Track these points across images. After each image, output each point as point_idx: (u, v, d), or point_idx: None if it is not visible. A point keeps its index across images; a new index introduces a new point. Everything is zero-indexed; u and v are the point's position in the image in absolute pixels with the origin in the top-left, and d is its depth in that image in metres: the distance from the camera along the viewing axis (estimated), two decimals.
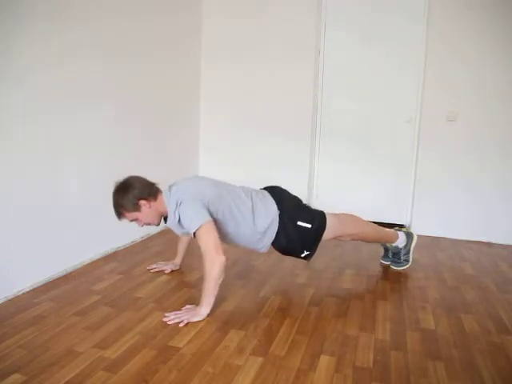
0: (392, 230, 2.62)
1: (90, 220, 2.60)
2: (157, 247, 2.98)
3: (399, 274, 2.61)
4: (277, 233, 2.17)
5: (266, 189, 2.34)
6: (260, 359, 1.63)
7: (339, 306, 2.14)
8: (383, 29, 3.53)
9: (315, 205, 3.93)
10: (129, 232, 3.00)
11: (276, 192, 2.29)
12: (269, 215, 2.15)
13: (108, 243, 2.81)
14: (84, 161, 2.55)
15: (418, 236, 2.69)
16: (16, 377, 1.48)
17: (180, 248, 2.55)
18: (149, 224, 2.12)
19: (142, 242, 3.10)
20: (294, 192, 3.74)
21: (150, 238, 3.18)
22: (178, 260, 2.56)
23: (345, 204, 3.81)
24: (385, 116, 3.64)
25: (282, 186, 2.40)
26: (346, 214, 2.49)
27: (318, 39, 3.66)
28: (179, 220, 2.00)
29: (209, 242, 1.91)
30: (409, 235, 2.62)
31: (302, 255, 2.25)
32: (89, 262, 2.62)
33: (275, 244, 2.21)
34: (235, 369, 1.57)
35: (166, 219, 2.12)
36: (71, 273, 2.46)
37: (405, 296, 2.28)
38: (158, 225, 2.18)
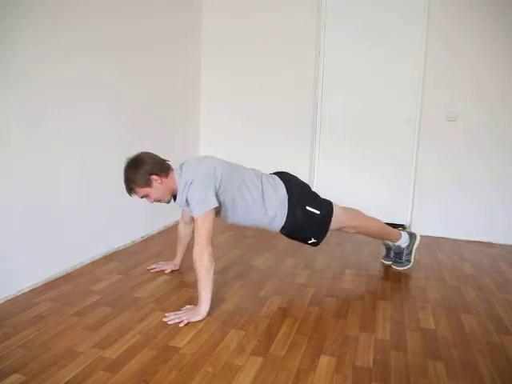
0: (396, 229, 2.62)
1: (89, 220, 2.60)
2: (157, 247, 2.98)
3: (399, 274, 2.61)
4: (286, 216, 2.18)
5: (275, 174, 2.36)
6: (260, 359, 1.63)
7: (339, 306, 2.14)
8: (383, 29, 3.53)
9: None
10: (129, 232, 3.00)
11: (286, 177, 2.31)
12: (278, 198, 2.17)
13: (108, 243, 2.80)
14: (84, 161, 2.55)
15: None
16: (16, 377, 1.48)
17: (179, 248, 2.55)
18: (159, 201, 2.12)
19: (141, 241, 3.10)
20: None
21: (150, 238, 3.18)
22: (177, 260, 2.57)
23: (345, 204, 3.81)
24: (385, 116, 3.64)
25: (291, 172, 2.41)
26: (352, 208, 2.52)
27: (318, 39, 3.66)
28: (187, 200, 2.01)
29: (204, 231, 1.93)
30: (412, 235, 2.63)
31: (309, 242, 2.27)
32: (89, 262, 2.62)
33: (283, 227, 2.22)
34: (235, 369, 1.57)
35: (175, 198, 2.13)
36: (71, 273, 2.46)
37: (405, 296, 2.28)
38: (169, 202, 2.17)
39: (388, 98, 3.60)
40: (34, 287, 2.23)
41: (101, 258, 2.70)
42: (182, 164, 2.14)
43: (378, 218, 3.69)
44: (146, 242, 3.11)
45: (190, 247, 2.52)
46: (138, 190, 2.05)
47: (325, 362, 1.63)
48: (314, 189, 3.87)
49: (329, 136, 3.81)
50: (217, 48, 3.83)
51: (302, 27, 3.59)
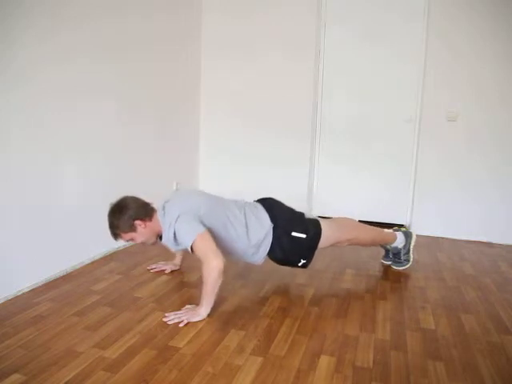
0: (390, 230, 2.62)
1: (89, 220, 2.60)
2: (157, 247, 2.97)
3: (399, 273, 2.61)
4: (272, 245, 2.19)
5: (258, 201, 2.35)
6: (260, 359, 1.63)
7: (339, 306, 2.14)
8: (383, 28, 3.54)
9: (315, 205, 3.94)
10: None
11: (269, 204, 2.30)
12: (262, 229, 2.16)
13: (108, 243, 2.80)
14: (84, 161, 2.55)
15: (418, 236, 2.70)
16: (16, 377, 1.48)
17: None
18: (144, 243, 2.13)
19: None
20: (293, 191, 3.77)
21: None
22: (177, 260, 2.57)
23: (345, 204, 3.82)
24: (385, 116, 3.64)
25: (275, 198, 2.40)
26: (342, 219, 2.51)
27: (318, 39, 3.66)
28: (175, 237, 2.00)
29: (205, 248, 1.91)
30: (407, 234, 2.62)
31: (299, 264, 2.27)
32: (89, 262, 2.62)
33: (271, 255, 2.24)
34: (235, 369, 1.57)
35: (161, 237, 2.13)
36: (71, 273, 2.46)
37: (405, 296, 2.28)
38: (155, 244, 2.18)
39: (388, 98, 3.61)
40: (34, 287, 2.23)
41: (101, 258, 2.70)
42: (165, 204, 2.13)
43: (378, 218, 3.72)
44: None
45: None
46: (122, 235, 2.06)
47: (325, 362, 1.63)
48: (314, 188, 3.91)
49: (329, 136, 3.81)
50: (217, 48, 3.83)
51: (302, 27, 3.59)
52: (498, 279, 2.56)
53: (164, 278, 2.43)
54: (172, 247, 2.11)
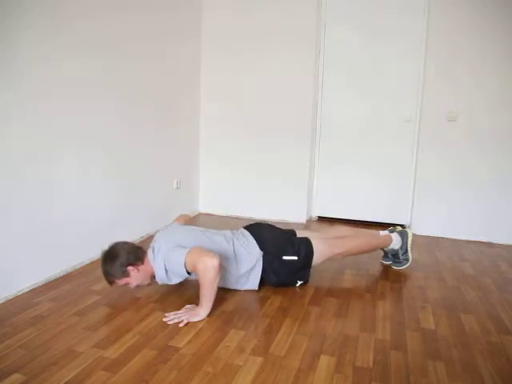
0: (385, 232, 2.61)
1: (89, 220, 2.60)
2: None
3: (399, 273, 2.61)
4: (265, 271, 2.22)
5: (246, 228, 2.38)
6: (260, 359, 1.63)
7: (339, 305, 2.14)
8: (383, 28, 3.53)
9: (315, 205, 3.94)
10: (129, 232, 2.99)
11: (257, 231, 2.33)
12: (252, 258, 2.20)
13: (108, 243, 2.79)
14: (84, 160, 2.55)
15: (419, 236, 2.70)
16: (16, 377, 1.48)
17: None
18: (139, 285, 2.14)
19: (141, 242, 3.09)
20: (293, 191, 3.76)
21: (150, 238, 3.17)
22: None
23: (345, 204, 3.83)
24: (385, 116, 3.64)
25: (263, 222, 2.44)
26: (335, 231, 2.56)
27: (318, 39, 3.66)
28: (166, 272, 2.02)
29: (197, 254, 1.93)
30: (403, 234, 2.62)
31: (297, 285, 2.32)
32: (89, 262, 2.62)
33: (267, 281, 2.28)
34: (235, 369, 1.57)
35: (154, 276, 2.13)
36: (71, 273, 2.46)
37: (405, 296, 2.28)
38: (149, 284, 2.18)
39: (388, 98, 3.60)
40: (34, 287, 2.23)
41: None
42: (153, 243, 2.15)
43: (378, 218, 3.72)
44: (146, 242, 3.10)
45: None
46: (117, 281, 2.07)
47: (325, 362, 1.63)
48: (314, 189, 3.91)
49: (329, 135, 3.81)
50: (216, 47, 3.83)
51: (302, 27, 3.59)
52: (498, 279, 2.56)
53: None
54: (167, 283, 2.11)
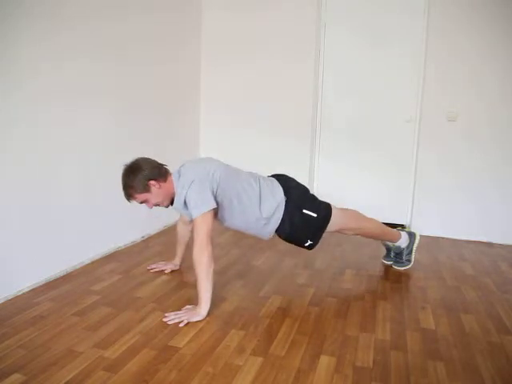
0: (395, 229, 2.62)
1: (89, 220, 2.60)
2: (157, 247, 2.98)
3: (399, 273, 2.61)
4: (282, 220, 2.18)
5: (273, 176, 2.36)
6: (260, 359, 1.63)
7: (339, 306, 2.14)
8: (383, 28, 3.53)
9: None
10: (129, 232, 3.00)
11: (283, 179, 2.31)
12: (275, 201, 2.16)
13: (108, 243, 2.80)
14: (84, 161, 2.55)
15: None
16: (16, 377, 1.48)
17: (179, 248, 2.56)
18: (158, 205, 2.12)
19: (142, 241, 3.10)
20: None
21: (150, 238, 3.18)
22: (177, 260, 2.57)
23: (345, 204, 3.81)
24: (385, 116, 3.64)
25: (290, 175, 2.41)
26: (351, 210, 2.52)
27: (318, 39, 3.66)
28: (185, 201, 2.00)
29: (203, 231, 1.93)
30: (411, 235, 2.63)
31: (306, 244, 2.26)
32: (89, 262, 2.62)
33: (280, 231, 2.23)
34: (235, 369, 1.57)
35: (173, 201, 2.12)
36: (71, 273, 2.46)
37: (405, 296, 2.28)
38: (168, 206, 2.16)
39: (388, 98, 3.60)
40: (34, 287, 2.23)
41: (101, 258, 2.70)
42: (181, 167, 2.14)
43: (378, 217, 3.70)
44: (146, 241, 3.11)
45: (189, 247, 2.52)
46: (136, 195, 2.04)
47: (325, 362, 1.63)
48: (314, 189, 3.91)
49: (329, 136, 3.81)
50: (216, 48, 3.83)
51: (302, 27, 3.59)
52: (498, 279, 2.56)
53: (164, 277, 2.43)
54: (182, 211, 2.10)
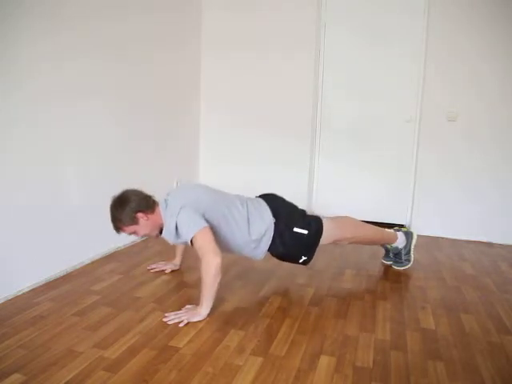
0: (391, 230, 2.62)
1: (89, 220, 2.60)
2: (157, 247, 2.98)
3: (399, 273, 2.61)
4: (273, 240, 2.18)
5: (261, 197, 2.35)
6: (260, 359, 1.63)
7: (339, 306, 2.14)
8: (383, 28, 3.54)
9: (315, 205, 3.94)
10: None
11: (271, 199, 2.30)
12: (264, 223, 2.16)
13: (108, 243, 2.80)
14: (84, 160, 2.55)
15: (418, 236, 2.69)
16: (16, 377, 1.48)
17: (179, 248, 2.56)
18: (147, 236, 2.13)
19: (142, 242, 3.09)
20: (293, 192, 3.76)
21: (150, 238, 3.18)
22: (177, 260, 2.57)
23: (345, 204, 3.82)
24: (385, 116, 3.64)
25: (278, 194, 2.40)
26: (343, 218, 2.51)
27: (318, 39, 3.66)
28: (176, 229, 2.00)
29: (205, 245, 1.91)
30: (408, 235, 2.62)
31: (300, 261, 2.27)
32: (89, 262, 2.62)
33: (272, 251, 2.24)
34: (235, 369, 1.57)
35: (162, 231, 2.12)
36: (71, 273, 2.46)
37: (405, 296, 2.28)
38: (157, 237, 2.17)
39: (388, 98, 3.61)
40: (34, 287, 2.23)
41: (101, 258, 2.70)
42: (167, 196, 2.13)
43: (378, 217, 3.72)
44: (146, 242, 3.10)
45: (189, 247, 2.52)
46: (124, 228, 2.04)
47: (325, 362, 1.63)
48: (313, 189, 3.91)
49: (329, 136, 3.81)
50: (216, 48, 3.83)
51: (302, 27, 3.59)
52: (498, 279, 2.56)
53: (164, 278, 2.43)
54: (173, 240, 2.10)
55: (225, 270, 2.56)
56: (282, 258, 2.30)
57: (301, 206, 3.89)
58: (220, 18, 3.78)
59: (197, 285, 2.26)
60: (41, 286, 2.25)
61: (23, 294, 2.15)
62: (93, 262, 2.62)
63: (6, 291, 2.09)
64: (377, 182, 3.72)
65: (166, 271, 2.50)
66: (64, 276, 2.40)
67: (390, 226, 2.99)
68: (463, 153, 3.36)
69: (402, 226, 3.42)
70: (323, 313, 2.05)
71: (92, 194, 2.62)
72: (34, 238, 2.23)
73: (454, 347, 1.77)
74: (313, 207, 3.95)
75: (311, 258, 2.27)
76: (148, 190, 3.20)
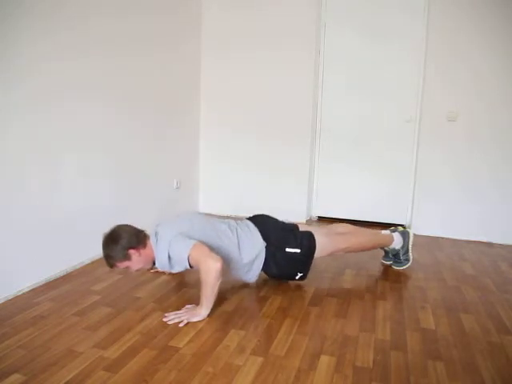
0: (386, 231, 2.62)
1: (89, 220, 2.60)
2: None
3: (399, 273, 2.61)
4: (266, 262, 2.22)
5: (250, 219, 2.38)
6: (260, 359, 1.63)
7: (339, 305, 2.14)
8: (383, 28, 3.53)
9: (315, 205, 3.94)
10: None
11: (261, 222, 2.33)
12: (255, 248, 2.19)
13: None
14: (84, 160, 2.55)
15: (419, 236, 2.70)
16: (16, 377, 1.48)
17: None
18: (140, 269, 2.13)
19: None
20: (294, 191, 3.76)
21: None
22: None
23: (345, 204, 3.83)
24: (385, 116, 3.64)
25: (267, 213, 2.44)
26: (337, 228, 2.54)
27: (318, 38, 3.66)
28: (169, 259, 2.01)
29: (203, 255, 1.92)
30: (405, 234, 2.62)
31: (297, 277, 2.31)
32: (89, 262, 2.62)
33: (267, 272, 2.29)
34: (235, 369, 1.57)
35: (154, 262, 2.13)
36: (71, 273, 2.46)
37: (405, 296, 2.28)
38: (151, 269, 2.20)
39: (388, 98, 3.61)
40: (34, 287, 2.23)
41: (101, 258, 2.67)
42: (157, 229, 2.13)
43: (378, 218, 3.72)
44: None
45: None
46: (118, 264, 2.05)
47: (325, 362, 1.63)
48: (314, 189, 3.91)
49: (329, 136, 3.81)
50: (216, 47, 3.83)
51: (302, 27, 3.59)
52: (498, 279, 2.56)
53: (164, 278, 2.44)
54: (168, 269, 2.11)
55: (221, 274, 2.56)
56: (277, 277, 2.35)
57: (301, 206, 3.91)
58: (220, 18, 3.78)
59: (197, 285, 2.26)
60: (41, 286, 2.25)
61: (23, 293, 2.16)
62: (93, 262, 2.62)
63: (6, 291, 2.09)
64: (377, 182, 3.72)
65: (166, 272, 2.50)
66: (64, 276, 2.40)
67: (391, 226, 2.98)
68: (463, 153, 3.36)
69: (402, 225, 3.41)
70: (323, 313, 2.05)
71: (92, 193, 2.62)
72: (34, 238, 2.23)
73: (454, 347, 1.77)
74: (313, 207, 3.95)
75: (307, 273, 2.31)
76: (148, 190, 3.22)
